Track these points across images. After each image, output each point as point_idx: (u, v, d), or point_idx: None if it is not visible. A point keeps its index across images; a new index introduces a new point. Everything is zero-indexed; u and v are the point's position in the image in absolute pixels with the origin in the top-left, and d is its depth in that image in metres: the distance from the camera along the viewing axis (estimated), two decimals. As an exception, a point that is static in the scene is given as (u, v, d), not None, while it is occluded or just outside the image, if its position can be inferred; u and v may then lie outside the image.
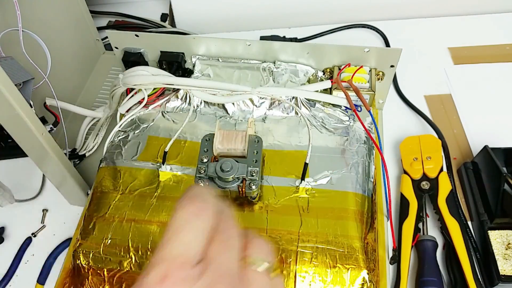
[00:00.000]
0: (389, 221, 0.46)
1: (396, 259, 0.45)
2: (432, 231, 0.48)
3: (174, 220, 0.24)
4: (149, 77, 0.49)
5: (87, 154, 0.57)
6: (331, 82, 0.50)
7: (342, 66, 0.50)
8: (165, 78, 0.49)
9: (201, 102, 0.51)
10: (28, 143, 0.42)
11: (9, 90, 0.36)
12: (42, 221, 0.53)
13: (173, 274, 0.23)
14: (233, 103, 0.50)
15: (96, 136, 0.58)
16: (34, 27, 0.45)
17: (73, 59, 0.63)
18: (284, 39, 0.70)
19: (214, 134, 0.44)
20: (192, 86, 0.49)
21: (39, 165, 0.46)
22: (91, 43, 0.66)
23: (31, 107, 0.42)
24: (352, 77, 0.49)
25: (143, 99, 0.50)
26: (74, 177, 0.48)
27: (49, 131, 0.46)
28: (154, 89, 0.51)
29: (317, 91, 0.50)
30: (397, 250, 0.46)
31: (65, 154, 0.51)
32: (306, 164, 0.43)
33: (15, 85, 0.40)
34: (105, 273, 0.41)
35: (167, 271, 0.23)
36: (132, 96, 0.50)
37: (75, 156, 0.56)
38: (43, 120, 0.46)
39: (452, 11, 0.73)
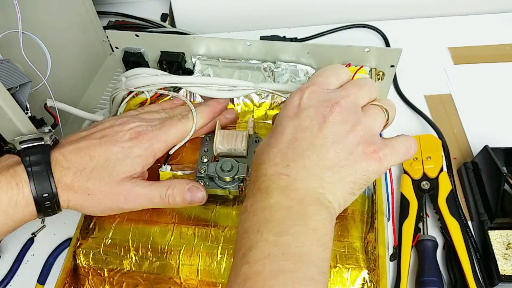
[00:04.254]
0: (390, 220, 0.46)
1: (396, 256, 0.45)
2: (432, 231, 0.48)
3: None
4: (152, 78, 0.49)
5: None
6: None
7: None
8: (168, 78, 0.49)
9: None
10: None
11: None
12: (42, 221, 0.53)
13: (309, 87, 0.36)
14: (233, 103, 0.50)
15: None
16: (36, 28, 0.45)
17: (77, 61, 0.62)
18: (284, 39, 0.70)
19: (214, 134, 0.44)
20: (195, 84, 0.48)
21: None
22: (97, 44, 0.66)
23: (27, 109, 0.43)
24: (352, 78, 0.49)
25: (146, 100, 0.50)
26: None
27: (47, 133, 0.46)
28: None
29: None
30: (398, 247, 0.46)
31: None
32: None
33: (12, 88, 0.40)
34: (105, 273, 0.41)
35: (308, 86, 0.36)
36: (133, 97, 0.50)
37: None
38: (42, 122, 0.46)
39: (452, 11, 0.73)
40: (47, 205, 0.36)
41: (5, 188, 0.35)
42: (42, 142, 0.38)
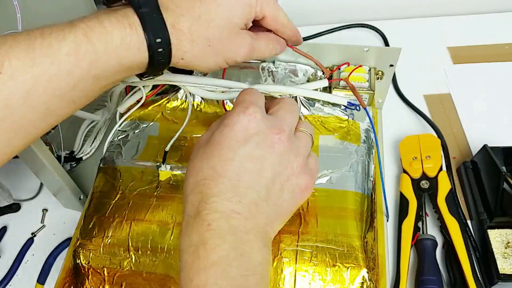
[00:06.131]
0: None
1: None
2: (431, 230, 0.49)
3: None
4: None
5: (84, 158, 0.57)
6: (329, 80, 0.50)
7: (340, 65, 0.50)
8: (164, 75, 0.49)
9: (201, 102, 0.51)
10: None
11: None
12: (42, 221, 0.53)
13: (252, 108, 0.33)
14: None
15: (94, 139, 0.58)
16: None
17: None
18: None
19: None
20: (190, 83, 0.49)
21: (34, 172, 0.46)
22: None
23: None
24: (349, 76, 0.49)
25: (142, 97, 0.50)
26: (68, 186, 0.49)
27: (47, 133, 0.46)
28: (153, 87, 0.51)
29: (316, 90, 0.50)
30: (397, 247, 0.46)
31: (62, 156, 0.51)
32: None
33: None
34: (105, 272, 0.41)
35: (248, 106, 0.34)
36: (132, 95, 0.50)
37: (72, 159, 0.56)
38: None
39: (452, 10, 0.73)
40: (160, 51, 0.33)
41: (117, 27, 0.31)
42: None
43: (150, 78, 0.37)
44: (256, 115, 0.33)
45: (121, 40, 0.31)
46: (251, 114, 0.33)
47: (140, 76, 0.36)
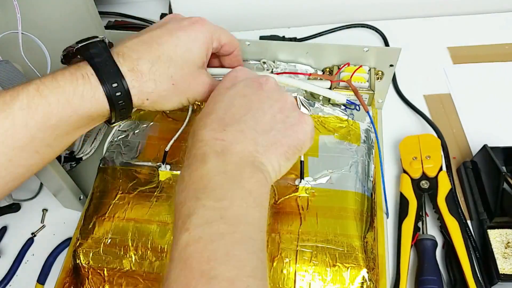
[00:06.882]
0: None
1: None
2: (431, 230, 0.49)
3: None
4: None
5: (84, 158, 0.57)
6: (331, 81, 0.50)
7: (341, 66, 0.50)
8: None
9: (201, 102, 0.51)
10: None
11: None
12: (42, 221, 0.53)
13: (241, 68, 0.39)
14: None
15: (94, 139, 0.58)
16: (36, 29, 0.45)
17: None
18: (283, 38, 0.70)
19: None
20: None
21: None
22: None
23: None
24: (351, 77, 0.49)
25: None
26: (68, 186, 0.49)
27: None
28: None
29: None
30: (397, 247, 0.46)
31: (62, 156, 0.51)
32: (301, 162, 0.43)
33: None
34: (105, 272, 0.41)
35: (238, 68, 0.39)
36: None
37: (72, 159, 0.56)
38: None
39: (452, 10, 0.73)
40: (118, 96, 0.34)
41: (69, 79, 0.33)
42: (98, 38, 0.35)
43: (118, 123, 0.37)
44: (243, 69, 0.38)
45: (73, 91, 0.33)
46: (239, 69, 0.38)
47: (108, 123, 0.37)
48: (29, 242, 0.52)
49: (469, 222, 0.49)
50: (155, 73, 0.35)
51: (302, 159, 0.43)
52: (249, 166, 0.32)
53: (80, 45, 0.35)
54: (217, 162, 0.31)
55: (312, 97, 0.50)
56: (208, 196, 0.30)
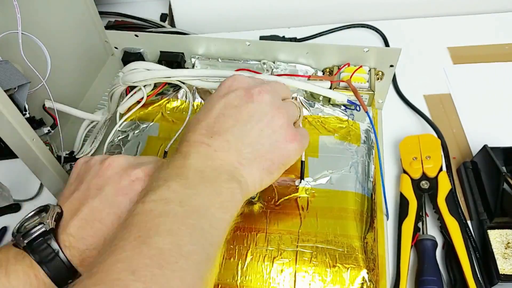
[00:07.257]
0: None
1: None
2: (431, 230, 0.49)
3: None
4: (149, 72, 0.49)
5: (83, 158, 0.57)
6: (331, 82, 0.50)
7: (341, 66, 0.50)
8: (165, 72, 0.49)
9: (201, 102, 0.51)
10: (19, 148, 0.42)
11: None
12: (42, 221, 0.53)
13: (239, 75, 0.38)
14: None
15: (94, 140, 0.57)
16: (36, 29, 0.45)
17: (78, 61, 0.62)
18: (283, 39, 0.70)
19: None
20: (193, 77, 0.49)
21: (34, 172, 0.46)
22: (98, 45, 0.65)
23: (26, 110, 0.42)
24: (351, 77, 0.49)
25: (142, 98, 0.50)
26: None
27: (47, 133, 0.46)
28: (154, 87, 0.51)
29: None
30: (397, 247, 0.46)
31: (62, 156, 0.51)
32: (302, 162, 0.43)
33: (10, 89, 0.40)
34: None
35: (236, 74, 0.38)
36: (132, 95, 0.50)
37: (72, 159, 0.56)
38: (41, 122, 0.46)
39: (452, 10, 0.73)
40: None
41: (23, 278, 0.33)
42: (44, 229, 0.34)
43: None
44: (240, 77, 0.38)
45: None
46: (236, 76, 0.38)
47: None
48: (29, 242, 0.52)
49: (469, 222, 0.49)
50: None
51: (303, 159, 0.43)
52: (227, 174, 0.32)
53: (26, 241, 0.34)
54: (197, 161, 0.32)
55: (312, 97, 0.50)
56: (178, 182, 0.30)
